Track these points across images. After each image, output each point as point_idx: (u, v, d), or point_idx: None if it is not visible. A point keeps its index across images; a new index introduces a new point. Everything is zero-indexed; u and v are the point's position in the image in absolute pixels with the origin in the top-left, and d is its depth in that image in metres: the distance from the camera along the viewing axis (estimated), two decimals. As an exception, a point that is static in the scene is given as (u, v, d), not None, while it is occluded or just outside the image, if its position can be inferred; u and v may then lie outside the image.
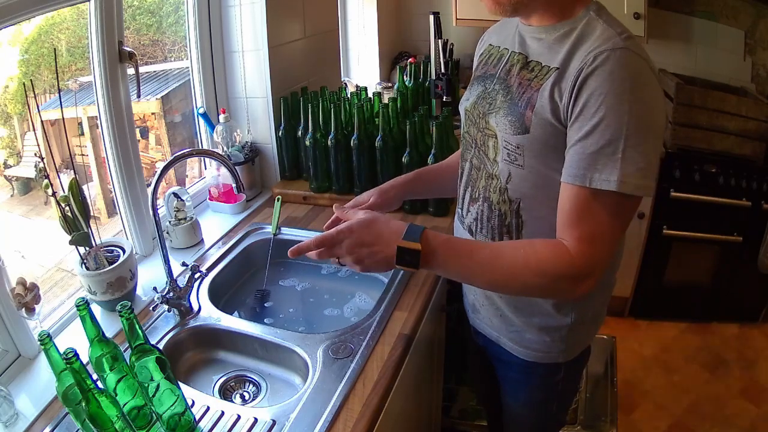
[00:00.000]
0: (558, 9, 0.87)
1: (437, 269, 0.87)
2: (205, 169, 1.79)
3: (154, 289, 1.18)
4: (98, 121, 1.32)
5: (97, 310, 1.20)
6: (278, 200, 1.63)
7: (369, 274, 1.46)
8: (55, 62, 1.12)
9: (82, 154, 1.45)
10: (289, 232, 1.57)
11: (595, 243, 0.80)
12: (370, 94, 1.76)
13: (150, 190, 1.18)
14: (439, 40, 1.95)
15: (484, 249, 0.86)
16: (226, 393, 1.13)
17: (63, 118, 1.10)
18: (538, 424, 1.23)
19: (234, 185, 1.23)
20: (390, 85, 2.40)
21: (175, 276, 1.20)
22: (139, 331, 0.82)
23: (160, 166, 1.16)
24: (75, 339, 1.11)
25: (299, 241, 1.52)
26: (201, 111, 1.70)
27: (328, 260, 0.93)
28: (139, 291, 1.27)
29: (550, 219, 0.90)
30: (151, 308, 1.19)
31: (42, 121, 1.15)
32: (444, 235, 0.86)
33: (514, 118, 0.89)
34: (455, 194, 1.15)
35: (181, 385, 0.91)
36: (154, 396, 0.85)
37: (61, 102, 1.10)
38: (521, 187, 0.93)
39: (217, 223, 1.63)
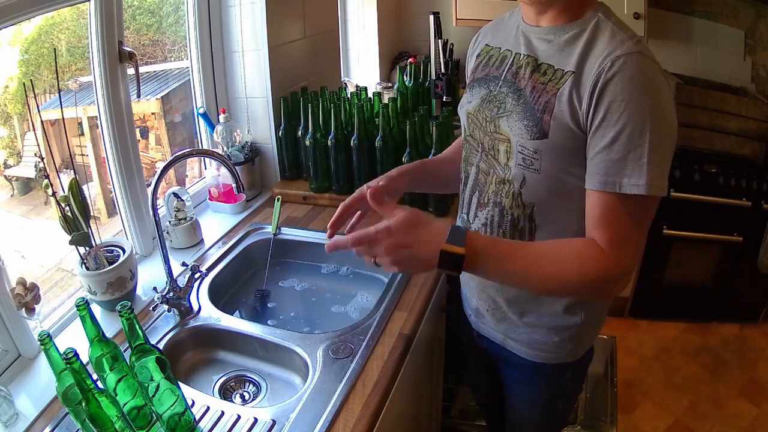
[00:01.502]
0: (572, 9, 0.87)
1: (479, 272, 0.85)
2: (205, 169, 1.79)
3: (154, 289, 1.18)
4: (98, 121, 1.32)
5: (97, 310, 1.20)
6: (278, 200, 1.63)
7: (369, 274, 1.48)
8: (55, 62, 1.12)
9: (82, 154, 1.45)
10: (289, 232, 1.57)
11: (627, 245, 0.82)
12: (370, 94, 1.76)
13: (150, 190, 1.18)
14: (439, 40, 1.95)
15: (527, 251, 0.85)
16: (226, 393, 1.13)
17: (63, 118, 1.10)
18: (543, 425, 1.23)
19: (234, 185, 1.23)
20: (390, 85, 2.40)
21: (175, 276, 1.20)
22: (139, 331, 0.82)
23: (160, 166, 1.16)
24: (75, 339, 1.11)
25: (299, 242, 1.55)
26: (201, 111, 1.70)
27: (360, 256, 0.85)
28: (139, 291, 1.27)
29: (562, 222, 0.92)
30: (151, 308, 1.19)
31: (42, 121, 1.15)
32: (487, 238, 0.85)
33: (531, 123, 0.88)
34: (457, 190, 1.14)
35: (181, 385, 0.91)
36: (154, 396, 0.85)
37: (61, 102, 1.10)
38: (536, 192, 0.92)
39: (217, 223, 1.63)
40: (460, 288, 1.23)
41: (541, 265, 0.83)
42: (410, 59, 2.58)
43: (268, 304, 1.40)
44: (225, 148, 1.69)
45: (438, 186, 1.28)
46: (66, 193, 1.07)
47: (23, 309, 1.04)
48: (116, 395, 0.83)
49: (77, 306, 0.80)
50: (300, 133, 1.72)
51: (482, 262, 0.81)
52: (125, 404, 0.85)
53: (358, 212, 1.01)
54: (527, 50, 0.92)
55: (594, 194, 0.83)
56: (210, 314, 1.22)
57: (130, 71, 1.33)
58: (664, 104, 0.79)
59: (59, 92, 1.12)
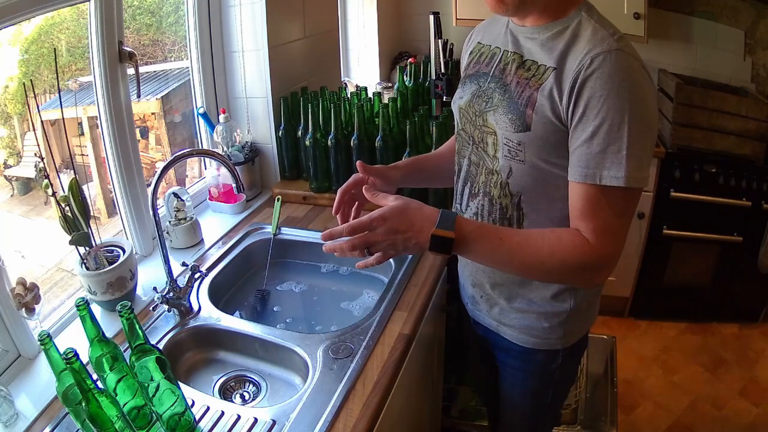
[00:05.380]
0: (553, 10, 0.90)
1: (468, 255, 0.91)
2: (205, 169, 1.79)
3: (154, 289, 1.18)
4: (98, 121, 1.32)
5: (97, 310, 1.20)
6: (278, 200, 1.63)
7: (369, 273, 1.48)
8: (55, 62, 1.12)
9: (82, 154, 1.45)
10: (289, 232, 1.57)
11: (609, 234, 0.86)
12: (370, 94, 1.76)
13: (150, 190, 1.18)
14: (439, 40, 1.94)
15: (513, 237, 0.89)
16: (226, 393, 1.13)
17: (63, 118, 1.10)
18: (532, 414, 1.25)
19: (234, 185, 1.23)
20: (390, 85, 2.39)
21: (175, 276, 1.20)
22: (139, 331, 0.82)
23: (160, 166, 1.16)
24: (75, 339, 1.11)
25: (299, 242, 1.55)
26: (201, 111, 1.70)
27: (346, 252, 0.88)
28: (139, 291, 1.27)
29: (548, 211, 0.96)
30: (151, 308, 1.19)
31: (42, 121, 1.15)
32: (476, 222, 0.90)
33: (515, 116, 0.92)
34: (451, 184, 1.17)
35: (181, 385, 0.91)
36: (154, 396, 0.85)
37: (61, 102, 1.10)
38: (522, 182, 0.96)
39: (217, 223, 1.63)
40: (458, 277, 1.25)
41: (526, 249, 0.88)
42: (410, 59, 2.58)
43: (274, 308, 1.40)
44: (225, 148, 1.69)
45: (433, 181, 1.32)
46: (66, 193, 1.07)
47: (23, 309, 1.04)
48: (116, 395, 0.83)
49: (77, 306, 0.80)
50: (300, 133, 1.72)
51: (470, 244, 0.87)
52: (125, 404, 0.85)
53: (356, 204, 1.05)
54: (514, 47, 0.96)
55: (576, 186, 0.87)
56: (210, 314, 1.22)
57: (130, 71, 1.33)
58: (643, 99, 0.82)
59: (59, 92, 1.12)
